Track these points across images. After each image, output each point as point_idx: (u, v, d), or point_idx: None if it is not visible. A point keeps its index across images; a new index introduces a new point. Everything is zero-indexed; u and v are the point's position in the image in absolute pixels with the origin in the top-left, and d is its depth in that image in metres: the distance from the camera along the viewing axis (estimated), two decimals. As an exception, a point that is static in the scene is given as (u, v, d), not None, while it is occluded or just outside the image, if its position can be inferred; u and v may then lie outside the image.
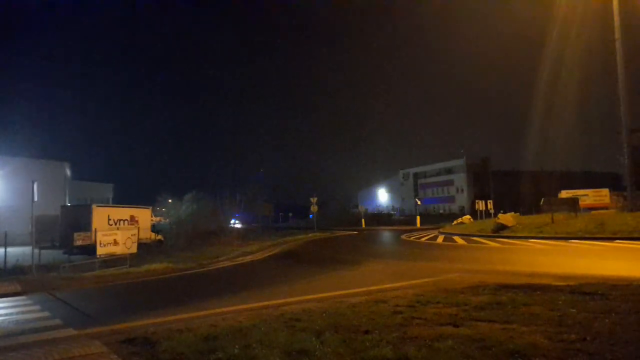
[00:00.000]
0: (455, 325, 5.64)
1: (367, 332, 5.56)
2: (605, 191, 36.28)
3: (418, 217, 49.47)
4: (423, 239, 25.93)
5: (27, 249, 15.64)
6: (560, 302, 6.59)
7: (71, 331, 7.12)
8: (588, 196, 35.69)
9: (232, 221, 55.50)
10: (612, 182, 34.30)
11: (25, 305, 10.05)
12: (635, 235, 17.98)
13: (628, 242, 16.95)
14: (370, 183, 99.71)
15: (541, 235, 21.38)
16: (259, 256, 20.54)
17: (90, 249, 17.30)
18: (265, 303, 8.42)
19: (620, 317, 5.61)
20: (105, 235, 16.67)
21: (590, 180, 46.40)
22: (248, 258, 19.73)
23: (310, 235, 34.89)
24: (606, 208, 32.41)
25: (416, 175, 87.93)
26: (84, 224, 20.06)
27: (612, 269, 10.93)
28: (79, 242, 17.87)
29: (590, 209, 32.25)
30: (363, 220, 53.55)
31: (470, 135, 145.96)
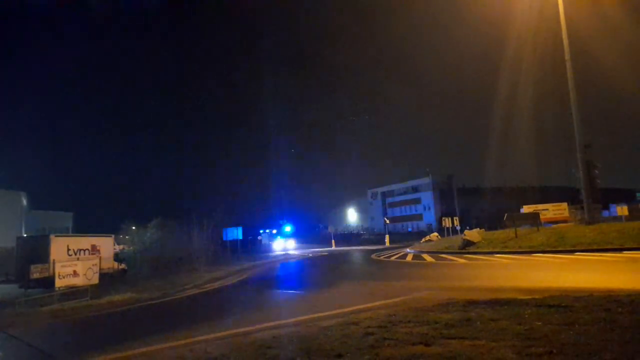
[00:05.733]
0: (427, 344, 5.63)
1: (339, 355, 5.48)
2: (564, 205, 37.76)
3: (387, 236, 49.91)
4: (393, 258, 26.07)
5: (-22, 284, 14.76)
6: (527, 316, 6.72)
7: (26, 372, 6.69)
8: (548, 210, 36.99)
9: (280, 240, 54.95)
10: (570, 196, 35.77)
11: (-25, 345, 9.40)
12: (594, 247, 18.72)
13: (587, 254, 17.59)
14: (340, 203, 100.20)
15: (506, 250, 21.93)
16: (228, 282, 20.09)
17: (48, 282, 16.47)
18: (235, 331, 8.20)
19: (583, 328, 5.77)
20: (64, 266, 15.92)
21: (549, 195, 48.21)
22: (217, 284, 19.26)
23: (280, 258, 34.50)
24: (565, 221, 33.65)
25: (384, 194, 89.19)
26: (42, 256, 19.11)
27: (574, 280, 11.30)
28: (36, 275, 17.00)
29: (550, 222, 33.41)
30: (333, 240, 53.56)
31: (435, 153, 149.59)
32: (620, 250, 17.42)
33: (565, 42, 25.68)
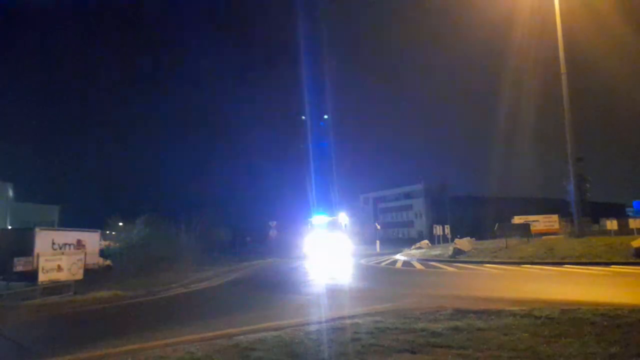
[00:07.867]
0: (413, 352, 5.60)
1: (323, 361, 5.42)
2: (554, 217, 38.01)
3: (378, 242, 49.82)
4: (382, 264, 26.02)
5: (-40, 276, 14.51)
6: (514, 327, 6.71)
7: (3, 367, 6.54)
8: (539, 222, 37.24)
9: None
10: (565, 208, 36.14)
11: (-47, 338, 9.20)
12: (583, 260, 18.81)
13: (576, 267, 17.67)
14: (331, 207, 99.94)
15: (496, 260, 21.96)
16: (214, 283, 19.90)
17: (31, 276, 16.21)
18: (219, 332, 8.08)
19: (569, 340, 5.76)
20: (49, 260, 15.66)
21: (545, 207, 48.41)
22: (203, 285, 19.07)
23: (268, 260, 34.31)
24: (556, 233, 33.88)
25: (376, 200, 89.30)
26: (26, 249, 18.80)
27: (562, 293, 11.32)
28: (19, 268, 16.76)
29: (541, 234, 33.59)
30: (323, 245, 53.27)
31: (431, 161, 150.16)
32: (608, 264, 17.51)
33: (562, 54, 25.90)
